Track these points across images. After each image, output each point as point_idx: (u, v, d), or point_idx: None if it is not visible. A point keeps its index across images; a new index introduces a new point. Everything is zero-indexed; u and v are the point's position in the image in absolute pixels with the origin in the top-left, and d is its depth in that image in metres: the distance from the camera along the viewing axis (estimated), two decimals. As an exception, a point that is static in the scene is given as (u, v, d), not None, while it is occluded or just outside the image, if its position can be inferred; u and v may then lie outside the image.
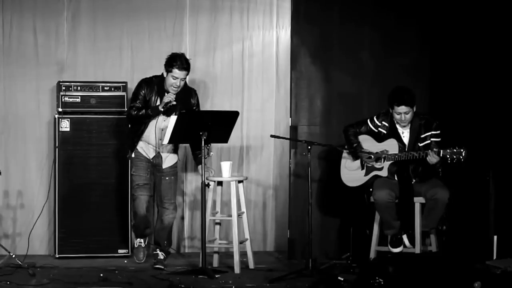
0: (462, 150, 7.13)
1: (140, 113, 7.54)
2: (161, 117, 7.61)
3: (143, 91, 7.59)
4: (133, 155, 7.70)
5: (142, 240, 7.90)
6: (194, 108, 7.72)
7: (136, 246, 7.92)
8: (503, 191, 7.74)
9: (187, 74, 7.58)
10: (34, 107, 8.37)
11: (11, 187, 8.33)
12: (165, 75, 7.57)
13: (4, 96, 8.34)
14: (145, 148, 7.69)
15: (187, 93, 7.69)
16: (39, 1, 8.35)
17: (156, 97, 7.58)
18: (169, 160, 7.75)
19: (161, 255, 7.80)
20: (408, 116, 7.40)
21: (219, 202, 7.77)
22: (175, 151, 7.80)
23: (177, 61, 7.51)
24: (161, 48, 8.44)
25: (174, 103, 7.50)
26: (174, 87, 7.51)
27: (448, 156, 7.17)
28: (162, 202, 7.78)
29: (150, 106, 7.55)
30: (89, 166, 8.11)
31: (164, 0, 8.51)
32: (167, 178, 7.74)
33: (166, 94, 7.53)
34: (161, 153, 7.70)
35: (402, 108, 7.36)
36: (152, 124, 7.62)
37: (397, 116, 7.41)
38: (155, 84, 7.61)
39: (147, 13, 8.47)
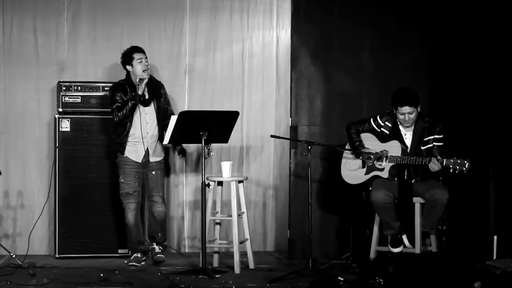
0: (465, 162, 7.11)
1: (124, 110, 7.66)
2: (142, 110, 7.69)
3: (118, 94, 7.74)
4: (121, 158, 7.77)
5: (139, 255, 7.89)
6: (165, 100, 7.88)
7: (131, 258, 7.89)
8: (503, 191, 7.74)
9: (146, 56, 7.80)
10: (35, 107, 8.37)
11: (11, 187, 8.33)
12: (130, 69, 7.77)
13: (5, 96, 8.34)
14: (133, 150, 7.74)
15: (157, 85, 7.90)
16: (39, 1, 8.36)
17: (131, 95, 7.72)
18: (156, 154, 7.82)
19: (157, 249, 7.88)
20: (412, 116, 7.39)
21: (219, 202, 7.77)
22: (162, 147, 7.87)
23: (132, 49, 7.80)
24: (161, 48, 8.46)
25: (147, 77, 7.69)
26: (144, 69, 7.72)
27: (451, 166, 7.16)
28: (150, 195, 7.87)
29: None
30: (89, 166, 8.11)
31: (164, 0, 8.51)
32: (153, 172, 7.82)
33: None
34: (149, 148, 7.76)
35: (406, 109, 7.36)
36: (136, 120, 7.70)
37: (400, 117, 7.41)
38: (125, 84, 7.79)
39: (147, 13, 8.48)
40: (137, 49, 7.80)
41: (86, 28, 8.43)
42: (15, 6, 8.34)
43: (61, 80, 8.15)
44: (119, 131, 7.79)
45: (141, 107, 7.73)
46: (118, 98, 7.73)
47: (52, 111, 8.31)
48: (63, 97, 8.08)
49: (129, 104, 7.66)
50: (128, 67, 7.78)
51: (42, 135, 8.36)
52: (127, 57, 7.78)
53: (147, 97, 7.76)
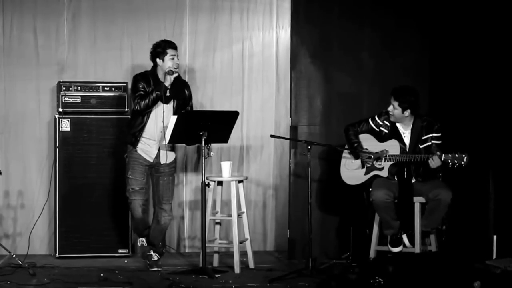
0: (464, 156, 7.14)
1: (148, 99, 7.48)
2: (160, 108, 7.55)
3: (141, 83, 7.58)
4: (132, 153, 7.64)
5: (144, 239, 7.89)
6: (188, 100, 7.72)
7: (139, 244, 7.91)
8: (503, 191, 7.75)
9: (178, 54, 7.66)
10: (35, 107, 8.38)
11: (11, 187, 8.34)
12: (160, 63, 7.58)
13: (5, 96, 8.35)
14: (145, 148, 7.66)
15: (182, 85, 7.73)
16: (39, 1, 8.36)
17: (154, 87, 7.58)
18: (167, 156, 7.68)
19: (155, 256, 7.78)
20: (395, 113, 7.44)
21: (219, 202, 7.78)
22: (172, 148, 7.77)
23: (165, 43, 7.61)
24: (161, 48, 8.46)
25: (177, 73, 7.55)
26: (175, 66, 7.56)
27: (449, 161, 7.18)
28: (160, 202, 7.75)
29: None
30: (89, 166, 8.11)
31: (164, 0, 8.52)
32: (165, 178, 7.71)
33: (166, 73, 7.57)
34: (161, 149, 7.64)
35: (392, 99, 7.44)
36: (152, 117, 7.58)
37: (389, 107, 7.47)
38: (149, 76, 7.63)
39: (147, 13, 8.49)
40: (171, 45, 7.60)
41: (86, 29, 8.43)
42: (15, 7, 8.34)
43: (61, 80, 8.16)
44: (134, 123, 7.63)
45: (160, 104, 7.57)
46: (141, 87, 7.55)
47: (52, 111, 8.32)
48: (63, 97, 8.08)
49: (154, 94, 7.46)
50: (158, 60, 7.59)
51: (42, 135, 8.37)
52: (159, 50, 7.58)
53: (168, 94, 7.57)
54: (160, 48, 7.57)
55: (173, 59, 7.56)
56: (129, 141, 7.67)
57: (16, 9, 8.35)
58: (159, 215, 7.77)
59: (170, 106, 7.61)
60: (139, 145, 7.63)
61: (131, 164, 7.66)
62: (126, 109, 8.08)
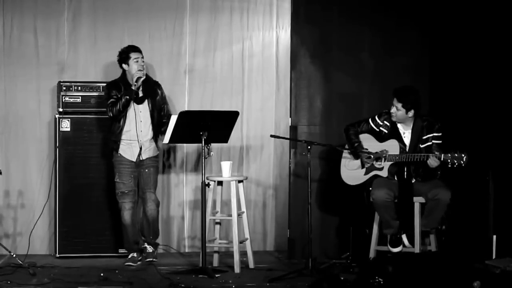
0: (463, 155, 7.14)
1: (118, 105, 7.67)
2: (136, 108, 7.72)
3: (113, 91, 7.77)
4: (116, 157, 7.78)
5: (135, 255, 7.90)
6: (162, 99, 7.87)
7: (129, 257, 7.89)
8: (503, 191, 7.75)
9: (143, 56, 7.80)
10: (35, 107, 8.39)
11: (11, 186, 8.34)
12: (126, 68, 7.79)
13: (5, 96, 8.36)
14: (127, 149, 7.76)
15: (152, 85, 7.90)
16: (39, 1, 8.37)
17: (125, 92, 7.74)
18: (148, 152, 7.82)
19: (149, 248, 7.87)
20: (399, 114, 7.43)
21: (219, 201, 7.79)
22: (155, 146, 7.87)
23: (128, 48, 7.83)
24: (161, 48, 8.47)
25: (144, 77, 7.72)
26: (140, 69, 7.74)
27: (449, 161, 7.18)
28: (143, 192, 7.87)
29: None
30: (90, 166, 8.13)
31: (164, 0, 8.53)
32: (146, 170, 7.83)
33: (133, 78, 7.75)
34: (142, 147, 7.77)
35: (394, 101, 7.42)
36: (129, 118, 7.73)
37: (391, 109, 7.46)
38: (119, 82, 7.82)
39: (147, 13, 8.49)
40: (134, 49, 7.81)
41: (86, 28, 8.44)
42: (16, 7, 8.35)
43: (61, 80, 8.17)
44: (113, 128, 7.80)
45: (135, 105, 7.74)
46: (113, 94, 7.75)
47: (52, 111, 8.33)
48: (63, 97, 8.09)
49: (123, 99, 7.66)
50: (124, 65, 7.80)
51: (42, 135, 8.38)
52: (123, 56, 7.79)
53: (141, 95, 7.76)
54: (124, 54, 7.80)
55: (137, 61, 7.76)
56: (112, 146, 7.83)
57: (16, 9, 8.36)
58: (144, 206, 7.88)
59: (145, 106, 7.79)
60: (121, 147, 7.78)
61: (117, 167, 7.82)
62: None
